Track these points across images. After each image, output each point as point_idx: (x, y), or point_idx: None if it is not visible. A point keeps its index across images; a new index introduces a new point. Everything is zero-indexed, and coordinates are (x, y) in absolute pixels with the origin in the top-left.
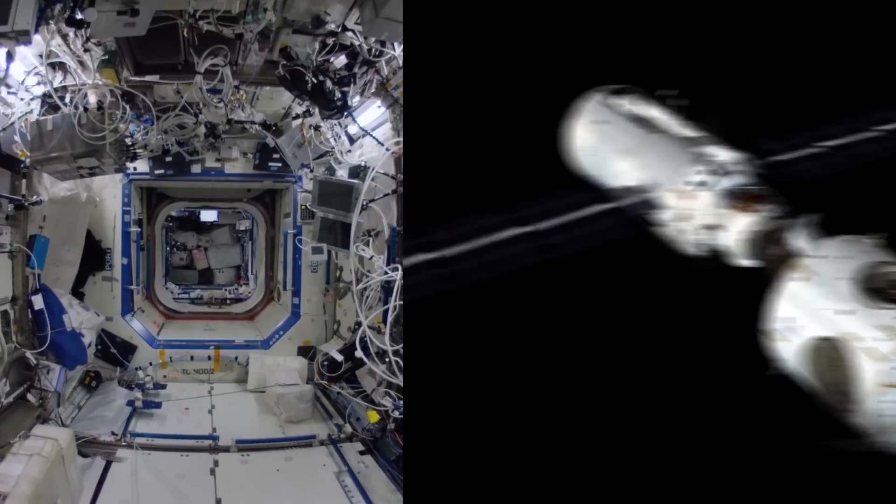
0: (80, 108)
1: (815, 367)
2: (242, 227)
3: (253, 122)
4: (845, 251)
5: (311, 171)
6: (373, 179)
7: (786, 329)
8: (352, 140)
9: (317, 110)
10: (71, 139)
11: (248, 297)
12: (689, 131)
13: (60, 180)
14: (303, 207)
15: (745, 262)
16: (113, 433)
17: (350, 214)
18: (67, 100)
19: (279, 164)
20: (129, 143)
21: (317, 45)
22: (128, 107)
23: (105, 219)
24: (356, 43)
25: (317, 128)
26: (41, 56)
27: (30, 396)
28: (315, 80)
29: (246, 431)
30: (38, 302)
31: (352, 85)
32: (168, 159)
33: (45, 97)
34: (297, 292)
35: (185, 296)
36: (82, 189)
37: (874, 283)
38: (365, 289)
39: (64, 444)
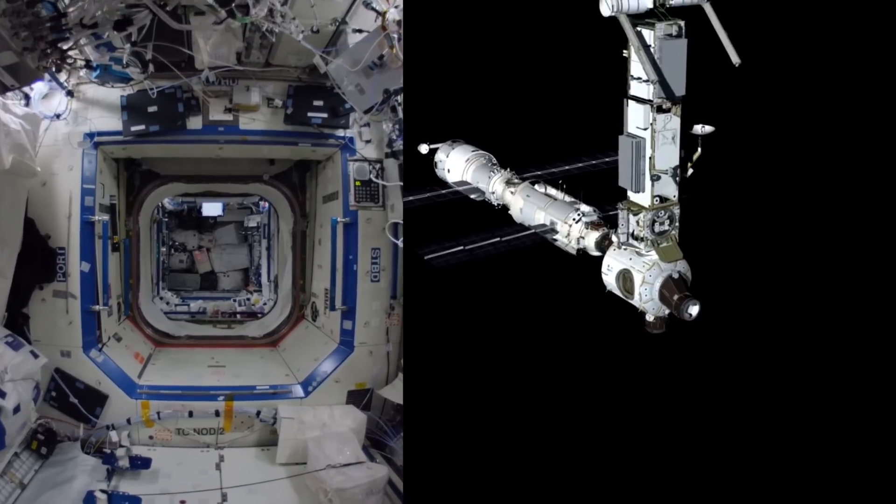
0: None
1: (619, 281)
2: (252, 224)
3: None
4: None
5: (400, 102)
6: None
7: (608, 269)
8: None
9: None
10: None
11: (263, 309)
12: (569, 199)
13: None
14: (357, 184)
15: (595, 253)
16: None
17: None
18: None
19: (324, 116)
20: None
21: None
22: None
23: (56, 203)
24: None
25: None
26: None
27: None
28: None
29: None
30: None
31: None
32: (151, 108)
33: None
34: (350, 313)
35: (184, 308)
36: (5, 148)
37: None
38: None
39: None
